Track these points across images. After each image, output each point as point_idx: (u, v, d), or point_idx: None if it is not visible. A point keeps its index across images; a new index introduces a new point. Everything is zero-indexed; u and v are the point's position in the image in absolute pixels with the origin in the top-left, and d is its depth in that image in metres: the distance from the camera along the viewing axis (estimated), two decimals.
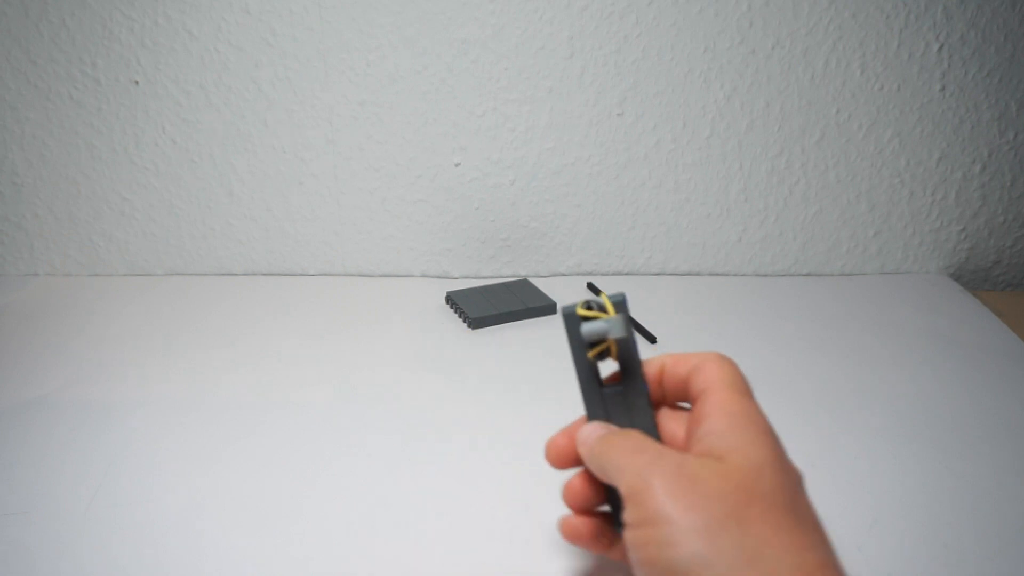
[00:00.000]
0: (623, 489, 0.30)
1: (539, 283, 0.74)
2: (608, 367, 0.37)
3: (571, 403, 0.55)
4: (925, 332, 0.66)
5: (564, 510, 0.37)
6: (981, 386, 0.58)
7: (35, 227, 0.75)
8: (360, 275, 0.77)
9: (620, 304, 0.35)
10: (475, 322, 0.66)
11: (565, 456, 0.36)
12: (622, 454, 0.31)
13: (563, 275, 0.78)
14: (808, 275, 0.78)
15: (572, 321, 0.35)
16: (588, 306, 0.35)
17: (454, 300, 0.69)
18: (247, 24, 0.68)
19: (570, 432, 0.36)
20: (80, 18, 0.67)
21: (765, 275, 0.78)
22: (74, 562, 0.40)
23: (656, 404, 0.36)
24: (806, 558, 0.27)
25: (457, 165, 0.73)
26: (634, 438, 0.32)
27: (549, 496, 0.45)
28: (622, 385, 0.36)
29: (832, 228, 0.77)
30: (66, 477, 0.47)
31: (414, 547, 0.42)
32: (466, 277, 0.77)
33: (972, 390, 0.57)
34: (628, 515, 0.29)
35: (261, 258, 0.77)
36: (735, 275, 0.78)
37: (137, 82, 0.70)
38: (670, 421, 0.35)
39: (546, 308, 0.68)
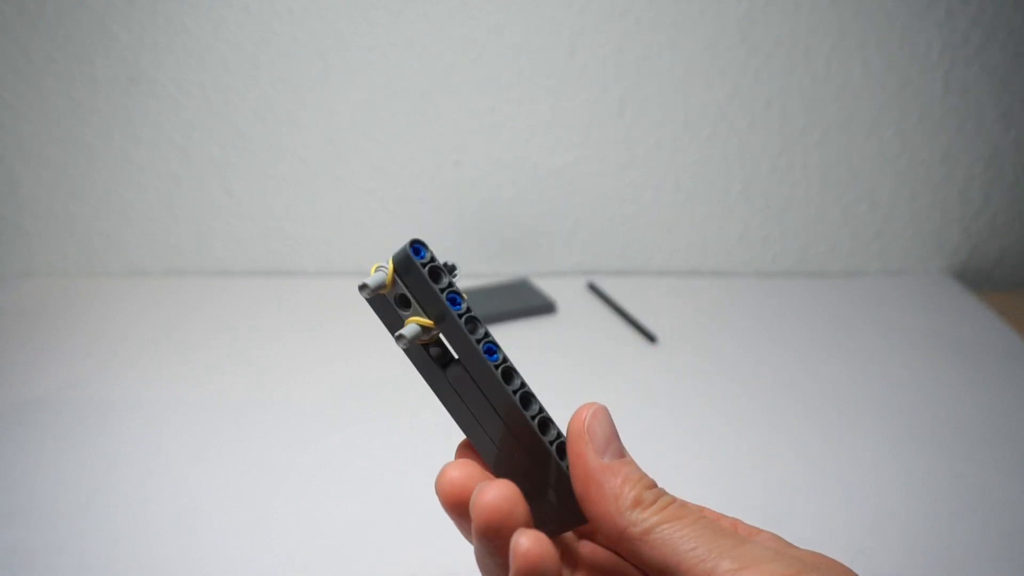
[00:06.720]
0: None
1: (539, 283, 0.74)
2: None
3: (572, 404, 0.55)
4: (927, 332, 0.65)
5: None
6: (983, 386, 0.57)
7: (33, 226, 0.74)
8: (360, 275, 0.77)
9: (400, 260, 0.25)
10: None
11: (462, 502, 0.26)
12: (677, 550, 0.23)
13: (563, 275, 0.77)
14: (809, 275, 0.78)
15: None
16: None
17: None
18: (247, 23, 0.68)
19: (469, 472, 0.26)
20: (79, 17, 0.67)
21: (766, 275, 0.78)
22: (73, 562, 0.40)
23: None
24: None
25: (457, 164, 0.73)
26: (690, 531, 0.24)
27: None
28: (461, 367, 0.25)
29: (833, 228, 0.76)
30: (64, 476, 0.46)
31: (414, 546, 0.41)
32: (466, 277, 0.77)
33: (974, 390, 0.57)
34: None
35: (261, 258, 0.76)
36: (736, 275, 0.78)
37: (136, 81, 0.69)
38: None
39: (546, 308, 0.68)
